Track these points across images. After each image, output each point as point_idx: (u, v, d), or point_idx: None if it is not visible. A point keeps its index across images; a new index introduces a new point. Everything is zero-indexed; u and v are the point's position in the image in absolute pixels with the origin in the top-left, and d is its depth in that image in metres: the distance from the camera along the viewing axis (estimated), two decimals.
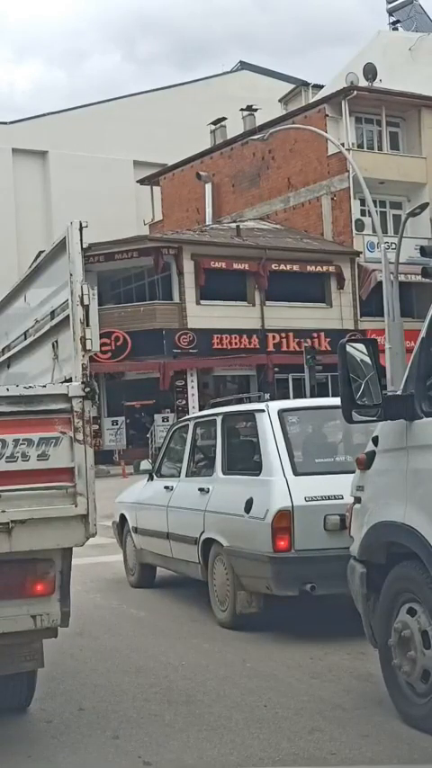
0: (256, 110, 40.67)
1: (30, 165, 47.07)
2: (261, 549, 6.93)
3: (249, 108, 41.08)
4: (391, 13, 46.32)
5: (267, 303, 33.33)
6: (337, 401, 5.31)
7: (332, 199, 35.34)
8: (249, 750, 4.76)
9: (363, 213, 33.69)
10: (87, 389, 4.62)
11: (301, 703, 5.45)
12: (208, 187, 39.79)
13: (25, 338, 6.37)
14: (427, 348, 4.88)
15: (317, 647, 6.61)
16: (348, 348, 5.11)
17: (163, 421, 30.48)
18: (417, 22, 45.24)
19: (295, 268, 33.45)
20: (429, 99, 36.16)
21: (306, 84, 45.33)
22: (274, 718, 5.23)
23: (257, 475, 7.29)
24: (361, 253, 34.41)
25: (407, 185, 35.31)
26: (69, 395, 4.61)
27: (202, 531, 7.91)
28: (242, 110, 41.45)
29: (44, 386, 4.86)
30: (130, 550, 9.86)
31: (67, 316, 4.89)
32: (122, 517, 10.09)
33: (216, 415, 8.53)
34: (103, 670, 6.47)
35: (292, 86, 46.50)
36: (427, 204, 29.59)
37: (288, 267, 33.34)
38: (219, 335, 32.26)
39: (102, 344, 27.70)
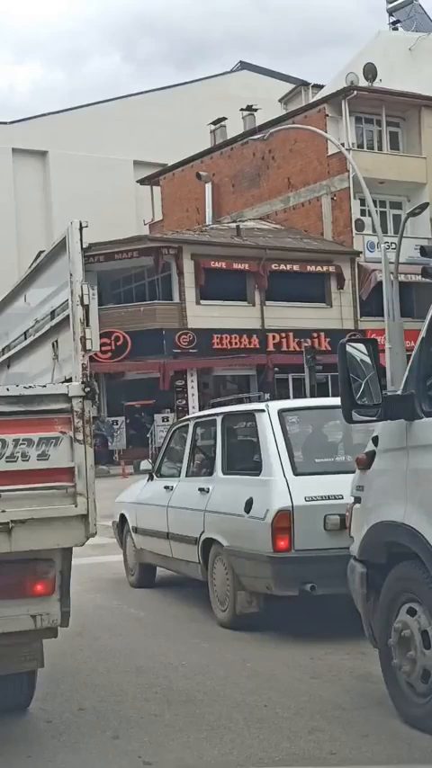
0: (256, 110, 40.68)
1: (30, 165, 47.08)
2: (261, 549, 6.92)
3: (249, 108, 41.09)
4: (391, 13, 46.31)
5: (267, 303, 33.35)
6: (337, 401, 5.31)
7: (332, 199, 35.35)
8: (249, 750, 4.76)
9: (363, 213, 33.70)
10: (87, 389, 4.62)
11: (301, 703, 5.44)
12: (208, 187, 39.79)
13: (25, 338, 6.37)
14: (427, 348, 4.88)
15: (317, 647, 6.61)
16: (348, 348, 5.11)
17: (163, 421, 30.50)
18: (417, 22, 45.23)
19: (295, 268, 33.46)
20: (429, 99, 36.18)
21: (306, 84, 45.37)
22: (274, 718, 5.23)
23: (257, 475, 7.29)
24: (361, 253, 34.43)
25: (407, 185, 35.33)
26: (69, 395, 4.61)
27: (202, 531, 7.91)
28: (242, 110, 41.47)
29: (44, 386, 4.85)
30: (130, 550, 9.86)
31: (67, 316, 4.89)
32: (122, 517, 10.09)
33: (216, 415, 8.53)
34: (103, 670, 6.47)
35: (292, 86, 46.54)
36: (427, 204, 29.62)
37: (288, 267, 33.36)
38: (219, 335, 32.27)
39: (102, 344, 27.73)
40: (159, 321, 31.97)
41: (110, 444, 30.73)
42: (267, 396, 29.02)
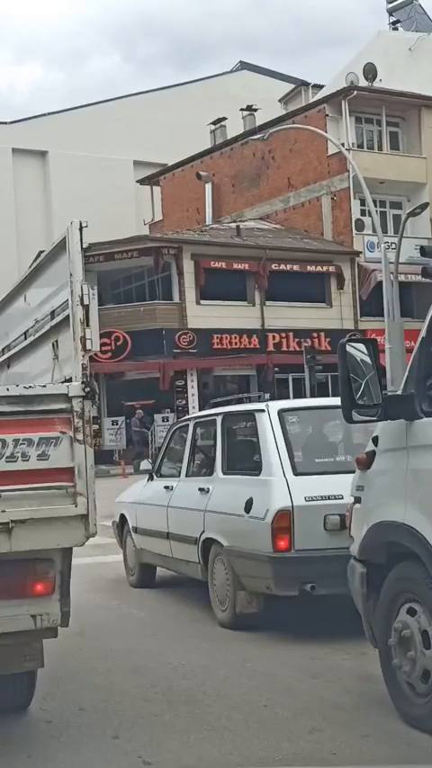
0: (256, 110, 40.66)
1: (30, 165, 47.07)
2: (261, 549, 6.92)
3: (249, 108, 41.07)
4: (391, 13, 46.27)
5: (267, 303, 33.33)
6: (337, 401, 5.31)
7: (332, 199, 35.35)
8: (249, 750, 4.76)
9: (363, 213, 33.69)
10: (87, 389, 4.62)
11: (301, 703, 5.45)
12: (208, 187, 39.79)
13: (25, 338, 6.38)
14: (427, 348, 4.88)
15: (317, 647, 6.61)
16: (348, 348, 5.11)
17: (163, 421, 30.48)
18: (417, 22, 45.21)
19: (295, 268, 33.45)
20: (429, 99, 36.17)
21: (306, 84, 45.32)
22: (274, 718, 5.23)
23: (257, 475, 7.29)
24: (361, 253, 34.41)
25: (407, 185, 35.32)
26: (69, 395, 4.61)
27: (202, 531, 7.91)
28: (242, 110, 41.44)
29: (44, 386, 4.86)
30: (130, 550, 9.86)
31: (67, 316, 4.89)
32: (122, 517, 10.09)
33: (216, 415, 8.53)
34: (103, 670, 6.47)
35: (292, 86, 46.49)
36: (427, 204, 29.59)
37: (288, 267, 33.34)
38: (219, 335, 32.26)
39: (102, 344, 27.71)
40: (159, 321, 31.96)
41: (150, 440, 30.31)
42: (267, 396, 28.98)
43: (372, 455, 5.25)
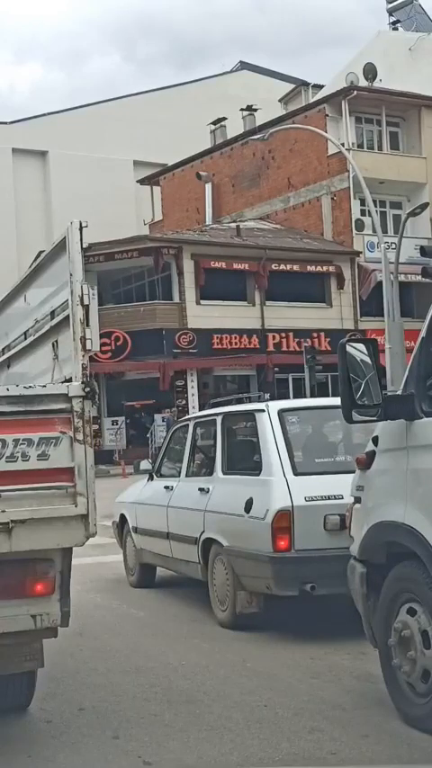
0: (256, 110, 40.70)
1: (30, 165, 47.09)
2: (261, 548, 6.93)
3: (249, 108, 41.11)
4: (391, 13, 46.30)
5: (267, 303, 33.35)
6: (337, 401, 5.31)
7: (332, 199, 35.36)
8: (249, 750, 4.76)
9: (363, 213, 33.72)
10: (87, 389, 4.62)
11: (301, 703, 5.44)
12: (208, 187, 39.80)
13: (25, 338, 6.37)
14: (427, 348, 4.88)
15: (317, 647, 6.61)
16: (348, 348, 5.11)
17: (163, 421, 30.48)
18: (417, 22, 45.22)
19: (295, 268, 33.47)
20: (429, 99, 36.19)
21: (306, 84, 45.35)
22: (274, 718, 5.23)
23: (257, 475, 7.29)
24: (361, 253, 34.43)
25: (407, 185, 35.34)
26: (69, 395, 4.61)
27: (202, 531, 7.91)
28: (242, 110, 41.49)
29: (44, 386, 4.86)
30: (130, 550, 9.86)
31: (67, 316, 4.89)
32: (122, 517, 10.09)
33: (216, 415, 8.53)
34: (103, 670, 6.47)
35: (292, 86, 46.52)
36: (427, 204, 29.60)
37: (288, 267, 33.36)
38: (219, 335, 32.27)
39: (102, 344, 27.72)
40: (159, 321, 31.97)
41: None
42: (267, 396, 29.00)
43: (372, 455, 5.25)
